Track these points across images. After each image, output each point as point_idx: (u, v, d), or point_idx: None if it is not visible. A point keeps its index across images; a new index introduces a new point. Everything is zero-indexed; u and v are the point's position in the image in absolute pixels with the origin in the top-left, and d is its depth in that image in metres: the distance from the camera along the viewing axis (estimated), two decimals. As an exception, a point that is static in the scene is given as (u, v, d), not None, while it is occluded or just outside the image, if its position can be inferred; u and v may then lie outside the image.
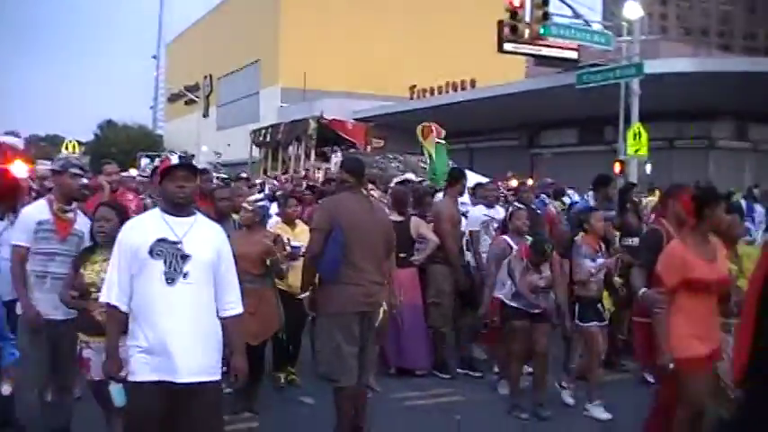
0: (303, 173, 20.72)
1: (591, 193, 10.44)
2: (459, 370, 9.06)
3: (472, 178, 12.50)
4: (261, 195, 10.22)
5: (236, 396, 7.00)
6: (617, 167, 23.90)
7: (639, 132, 22.29)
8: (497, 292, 7.75)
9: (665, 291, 5.46)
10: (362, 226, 6.29)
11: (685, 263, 5.42)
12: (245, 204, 7.62)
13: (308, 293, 6.50)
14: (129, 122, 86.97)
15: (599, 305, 7.68)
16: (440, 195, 10.48)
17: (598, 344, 7.58)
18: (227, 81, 79.20)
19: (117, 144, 73.76)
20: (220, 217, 7.41)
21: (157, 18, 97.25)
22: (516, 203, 9.28)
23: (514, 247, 7.79)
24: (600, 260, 7.68)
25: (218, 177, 14.25)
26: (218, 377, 4.35)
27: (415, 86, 47.46)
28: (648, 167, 24.89)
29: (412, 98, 46.93)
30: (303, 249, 7.09)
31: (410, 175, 14.04)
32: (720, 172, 31.57)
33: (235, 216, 8.17)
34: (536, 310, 7.49)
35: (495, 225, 9.35)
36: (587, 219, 7.88)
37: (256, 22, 69.73)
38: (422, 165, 17.69)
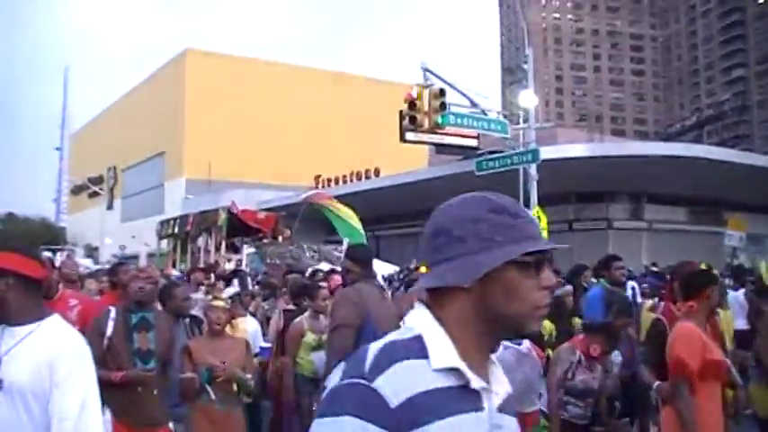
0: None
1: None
2: None
3: (379, 267, 12.40)
4: (234, 289, 9.01)
5: None
6: (519, 251, 24.21)
7: (539, 216, 22.62)
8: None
9: (684, 376, 4.95)
10: (385, 322, 5.35)
11: (704, 344, 5.01)
12: (216, 303, 6.15)
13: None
14: (31, 215, 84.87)
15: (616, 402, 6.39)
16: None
17: None
18: (131, 173, 78.35)
19: (17, 237, 70.27)
20: (174, 320, 6.29)
21: (61, 108, 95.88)
22: None
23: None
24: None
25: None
26: None
27: (320, 176, 47.66)
28: (549, 250, 25.34)
29: (317, 188, 46.99)
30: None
31: (324, 265, 13.90)
32: (618, 251, 32.26)
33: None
34: (583, 421, 5.99)
35: None
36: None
37: (161, 114, 69.58)
38: (336, 254, 17.65)
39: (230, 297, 7.46)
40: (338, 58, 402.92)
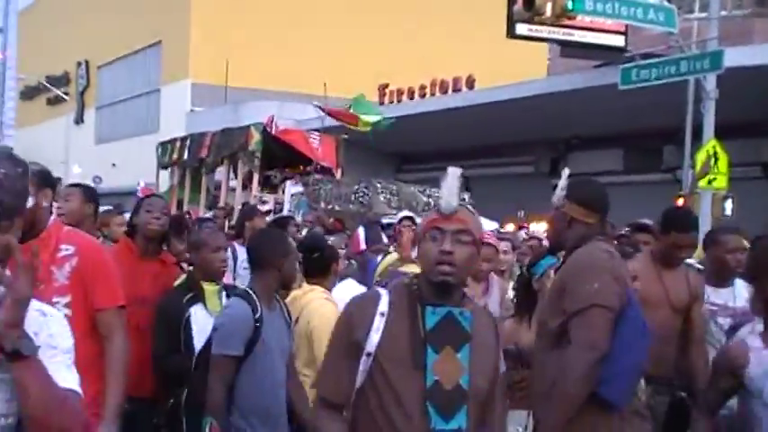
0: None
1: None
2: None
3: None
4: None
5: None
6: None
7: (716, 154, 22.21)
8: None
9: None
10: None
11: None
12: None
13: None
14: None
15: None
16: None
17: None
18: (111, 71, 79.12)
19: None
20: None
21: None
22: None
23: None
24: None
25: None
26: None
27: (387, 86, 47.52)
28: (729, 205, 24.63)
29: (382, 103, 46.81)
30: None
31: (407, 214, 13.81)
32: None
33: None
34: None
35: (729, 320, 7.09)
36: None
37: (158, -11, 69.75)
38: (424, 198, 17.74)
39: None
40: None
